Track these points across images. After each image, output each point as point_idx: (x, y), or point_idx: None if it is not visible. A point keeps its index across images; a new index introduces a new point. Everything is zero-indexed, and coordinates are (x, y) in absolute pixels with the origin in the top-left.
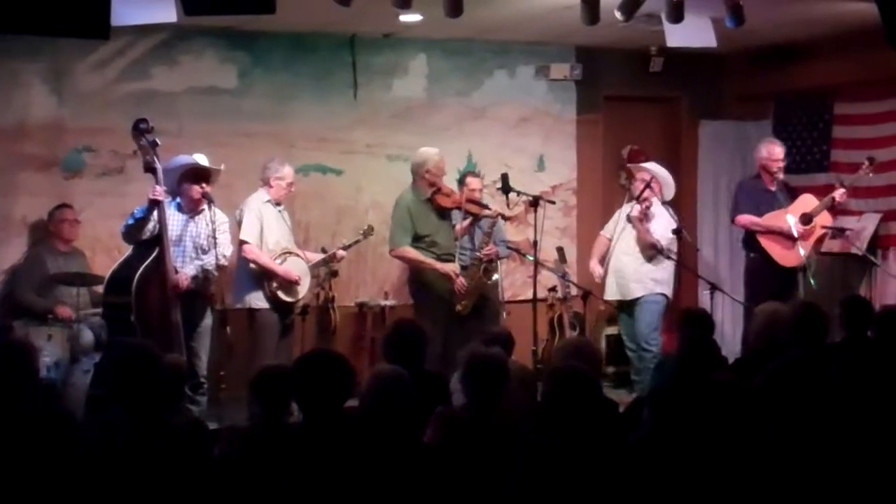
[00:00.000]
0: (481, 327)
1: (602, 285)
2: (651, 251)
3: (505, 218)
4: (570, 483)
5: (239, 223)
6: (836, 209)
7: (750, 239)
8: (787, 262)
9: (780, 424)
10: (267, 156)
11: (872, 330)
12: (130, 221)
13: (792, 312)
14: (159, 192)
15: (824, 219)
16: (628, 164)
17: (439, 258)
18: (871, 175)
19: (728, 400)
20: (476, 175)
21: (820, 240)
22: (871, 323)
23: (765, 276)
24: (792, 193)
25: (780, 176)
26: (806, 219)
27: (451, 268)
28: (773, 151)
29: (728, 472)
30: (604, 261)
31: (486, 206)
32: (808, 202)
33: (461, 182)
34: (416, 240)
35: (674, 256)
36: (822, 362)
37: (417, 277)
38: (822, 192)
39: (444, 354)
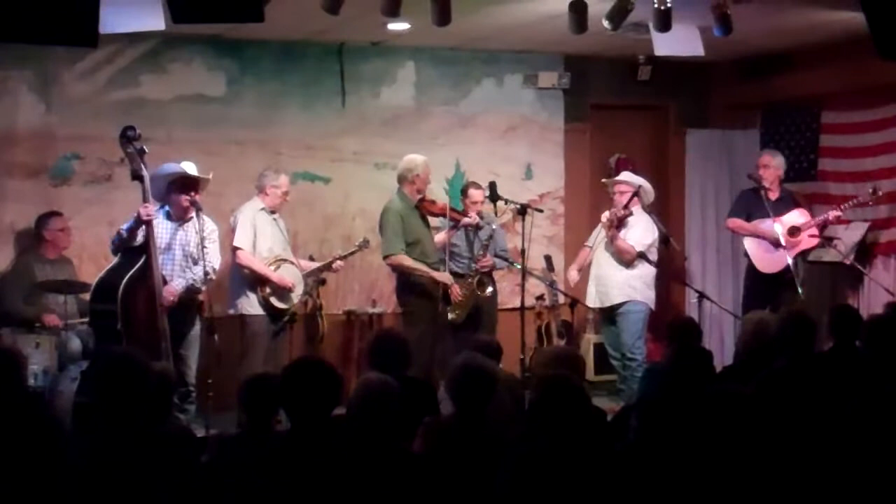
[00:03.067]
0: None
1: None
2: (627, 256)
3: (477, 227)
4: (557, 492)
5: (233, 229)
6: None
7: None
8: (766, 268)
9: (769, 433)
10: (255, 163)
11: (861, 339)
12: (117, 241)
13: (779, 320)
14: (150, 211)
15: (812, 234)
16: (603, 181)
17: (430, 266)
18: (871, 204)
19: (722, 409)
20: (479, 187)
21: (808, 249)
22: (860, 332)
23: (754, 283)
24: (793, 203)
25: (766, 184)
26: (794, 231)
27: (446, 277)
28: (760, 159)
29: (716, 482)
30: (581, 270)
31: (465, 214)
32: (799, 217)
33: (463, 193)
34: (406, 246)
35: (653, 262)
36: (809, 371)
37: (407, 286)
38: (809, 200)
39: (435, 363)
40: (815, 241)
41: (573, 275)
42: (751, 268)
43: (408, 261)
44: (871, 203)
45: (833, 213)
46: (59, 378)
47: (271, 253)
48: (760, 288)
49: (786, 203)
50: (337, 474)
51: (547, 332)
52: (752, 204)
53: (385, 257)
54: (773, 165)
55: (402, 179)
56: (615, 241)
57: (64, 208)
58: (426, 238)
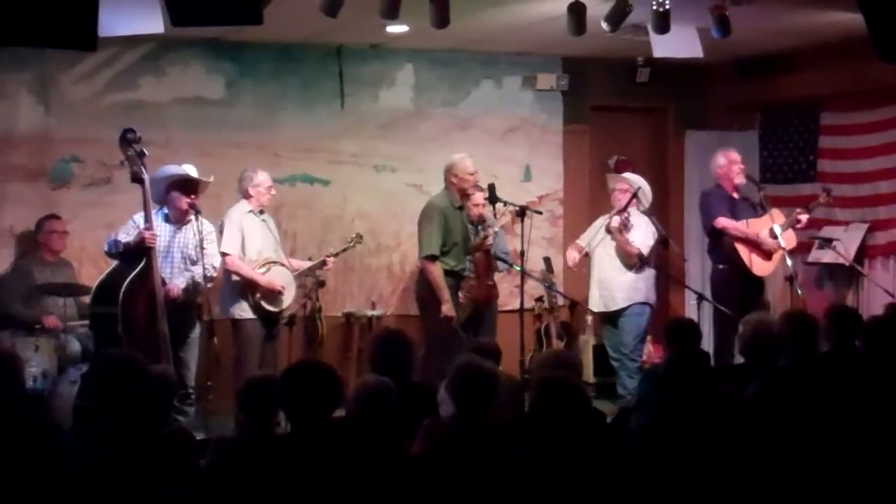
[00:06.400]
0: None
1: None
2: (632, 261)
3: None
4: (557, 494)
5: (221, 234)
6: (797, 230)
7: (718, 248)
8: (760, 271)
9: (771, 433)
10: (254, 165)
11: (860, 340)
12: (112, 250)
13: (783, 321)
14: (154, 239)
15: (789, 237)
16: (607, 175)
17: (454, 269)
18: (827, 206)
19: (717, 410)
20: (481, 189)
21: (807, 249)
22: (859, 333)
23: (733, 287)
24: (749, 204)
25: (742, 179)
26: (771, 233)
27: (449, 311)
28: (732, 155)
29: (716, 483)
30: (578, 251)
31: (490, 225)
32: (776, 217)
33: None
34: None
35: (652, 264)
36: (811, 371)
37: (429, 287)
38: (807, 202)
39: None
40: (794, 242)
41: (574, 255)
42: (731, 271)
43: (438, 276)
44: (822, 204)
45: (804, 217)
46: (58, 381)
47: (260, 255)
48: (739, 292)
49: (747, 203)
50: (337, 476)
51: (546, 334)
52: (728, 203)
53: (421, 258)
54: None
55: (444, 179)
56: (626, 247)
57: (63, 211)
58: (461, 242)
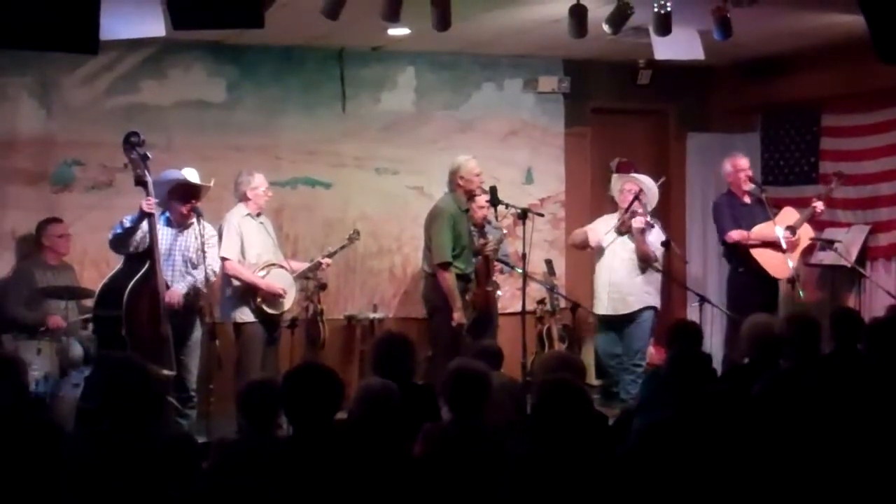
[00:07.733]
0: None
1: (591, 296)
2: (645, 263)
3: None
4: (558, 496)
5: (220, 239)
6: (816, 220)
7: (736, 253)
8: (779, 273)
9: (773, 435)
10: (256, 169)
11: (862, 342)
12: (119, 231)
13: (786, 323)
14: (152, 203)
15: (807, 230)
16: (615, 174)
17: (464, 272)
18: (839, 187)
19: (721, 411)
20: (485, 191)
21: (809, 251)
22: (861, 335)
23: (752, 290)
24: (762, 206)
25: (750, 186)
26: (791, 231)
27: (461, 318)
28: (738, 163)
29: (718, 484)
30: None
31: (497, 228)
32: (790, 215)
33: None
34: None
35: (660, 267)
36: (813, 372)
37: (437, 290)
38: (809, 203)
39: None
40: (811, 237)
41: (596, 239)
42: (749, 274)
43: (452, 284)
44: (829, 190)
45: (819, 205)
46: (60, 384)
47: (260, 259)
48: (758, 295)
49: (760, 206)
50: (339, 479)
51: (548, 337)
52: (735, 210)
53: (434, 264)
54: (749, 167)
55: (450, 182)
56: (646, 249)
57: (65, 214)
58: (468, 246)
